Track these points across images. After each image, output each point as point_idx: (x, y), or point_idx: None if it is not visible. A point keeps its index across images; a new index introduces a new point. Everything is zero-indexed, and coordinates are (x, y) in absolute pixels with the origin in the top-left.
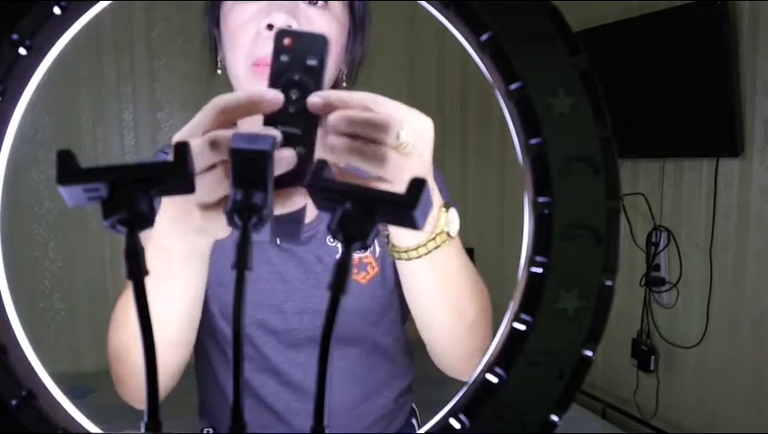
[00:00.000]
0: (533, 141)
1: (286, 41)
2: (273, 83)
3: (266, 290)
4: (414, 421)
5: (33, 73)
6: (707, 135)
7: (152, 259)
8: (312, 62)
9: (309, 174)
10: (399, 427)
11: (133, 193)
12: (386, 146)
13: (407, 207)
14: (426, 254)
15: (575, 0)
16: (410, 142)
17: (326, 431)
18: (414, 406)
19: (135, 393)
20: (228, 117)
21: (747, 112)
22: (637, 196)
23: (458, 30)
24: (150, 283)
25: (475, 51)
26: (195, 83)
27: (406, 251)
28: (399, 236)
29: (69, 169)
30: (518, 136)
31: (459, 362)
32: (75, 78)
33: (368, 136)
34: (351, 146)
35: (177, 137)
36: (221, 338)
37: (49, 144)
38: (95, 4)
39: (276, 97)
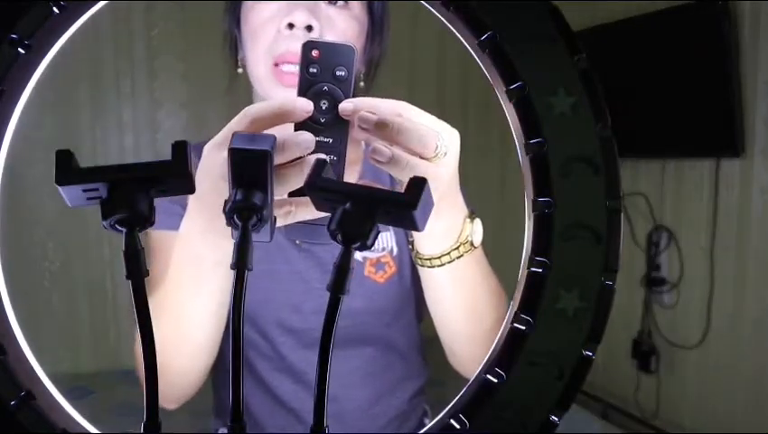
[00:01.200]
0: (533, 141)
1: (314, 52)
2: (302, 94)
3: (285, 289)
4: (426, 422)
5: (33, 73)
6: (707, 135)
7: (183, 265)
8: (340, 72)
9: (309, 175)
10: (413, 428)
11: (132, 194)
12: (423, 157)
13: (407, 207)
14: (449, 263)
15: (575, 0)
16: (444, 153)
17: (327, 432)
18: (426, 407)
19: (164, 392)
20: (259, 126)
21: (748, 112)
22: (637, 196)
23: (458, 30)
24: (180, 288)
25: (475, 52)
26: (194, 83)
27: (429, 259)
28: (423, 244)
29: (68, 169)
30: (518, 136)
31: (475, 364)
32: (74, 77)
33: (408, 147)
34: (392, 154)
35: (209, 146)
36: (251, 361)
37: (48, 144)
38: (94, 4)
39: (307, 105)
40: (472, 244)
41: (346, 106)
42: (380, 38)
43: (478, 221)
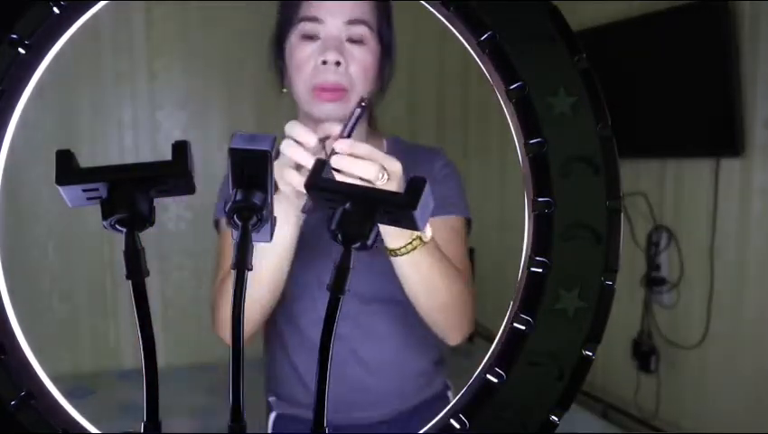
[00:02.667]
0: (533, 141)
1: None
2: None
3: (325, 250)
4: (449, 394)
5: (33, 73)
6: (707, 135)
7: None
8: None
9: (309, 175)
10: (435, 393)
11: (132, 194)
12: (371, 182)
13: (407, 207)
14: (408, 253)
15: (575, 0)
16: (387, 179)
17: (326, 432)
18: (449, 382)
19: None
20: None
21: (748, 112)
22: (637, 196)
23: (458, 30)
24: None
25: (475, 52)
26: (194, 83)
27: (393, 251)
28: (388, 241)
29: (68, 169)
30: (518, 137)
31: (444, 330)
32: (74, 77)
33: (362, 176)
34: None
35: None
36: (295, 314)
37: (48, 144)
38: (94, 4)
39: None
40: (421, 239)
41: (342, 146)
42: (390, 60)
43: None
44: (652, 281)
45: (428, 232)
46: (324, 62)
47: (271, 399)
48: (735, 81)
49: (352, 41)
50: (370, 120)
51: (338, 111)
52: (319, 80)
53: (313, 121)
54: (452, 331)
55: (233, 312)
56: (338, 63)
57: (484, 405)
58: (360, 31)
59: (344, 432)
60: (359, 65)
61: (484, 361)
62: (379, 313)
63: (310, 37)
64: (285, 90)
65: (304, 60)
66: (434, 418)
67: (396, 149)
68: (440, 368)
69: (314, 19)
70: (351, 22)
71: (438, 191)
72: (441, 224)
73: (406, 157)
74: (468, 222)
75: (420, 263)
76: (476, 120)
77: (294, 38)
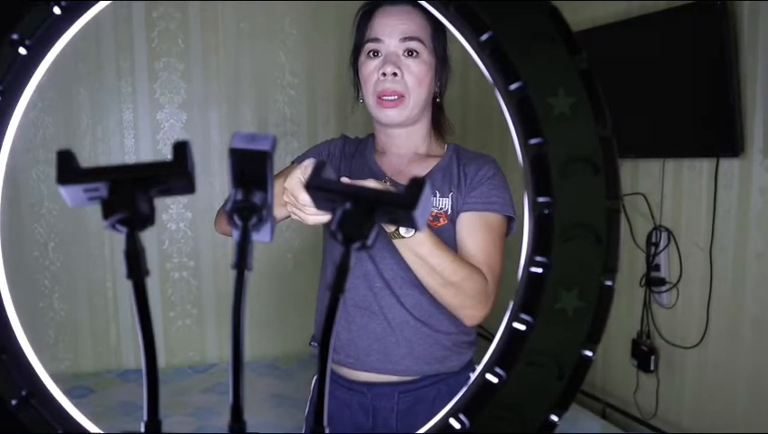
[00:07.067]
0: (533, 141)
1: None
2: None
3: (385, 251)
4: (471, 375)
5: (33, 73)
6: (707, 135)
7: None
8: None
9: (309, 175)
10: (454, 371)
11: (132, 193)
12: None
13: (407, 207)
14: (397, 238)
15: (575, 0)
16: None
17: (326, 432)
18: (475, 365)
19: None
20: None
21: (747, 112)
22: (637, 196)
23: (458, 30)
24: None
25: (475, 51)
26: (195, 84)
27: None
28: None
29: (69, 169)
30: (518, 136)
31: (453, 309)
32: (74, 77)
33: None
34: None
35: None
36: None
37: (49, 144)
38: (95, 4)
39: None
40: (400, 235)
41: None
42: (446, 68)
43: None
44: (652, 281)
45: (404, 231)
46: (384, 74)
47: (313, 344)
48: (735, 81)
49: (408, 54)
50: (437, 126)
51: (398, 116)
52: (380, 88)
53: (381, 125)
54: (460, 310)
55: (233, 312)
56: (395, 74)
57: (484, 405)
58: (413, 45)
59: (357, 389)
60: (413, 75)
61: (484, 361)
62: (412, 282)
63: (374, 54)
64: (361, 101)
65: (370, 73)
66: (451, 393)
67: (452, 153)
68: (462, 349)
69: (376, 39)
70: (405, 39)
71: (483, 190)
72: (477, 218)
73: (459, 160)
74: (509, 220)
75: (415, 247)
76: (476, 120)
77: (363, 57)
